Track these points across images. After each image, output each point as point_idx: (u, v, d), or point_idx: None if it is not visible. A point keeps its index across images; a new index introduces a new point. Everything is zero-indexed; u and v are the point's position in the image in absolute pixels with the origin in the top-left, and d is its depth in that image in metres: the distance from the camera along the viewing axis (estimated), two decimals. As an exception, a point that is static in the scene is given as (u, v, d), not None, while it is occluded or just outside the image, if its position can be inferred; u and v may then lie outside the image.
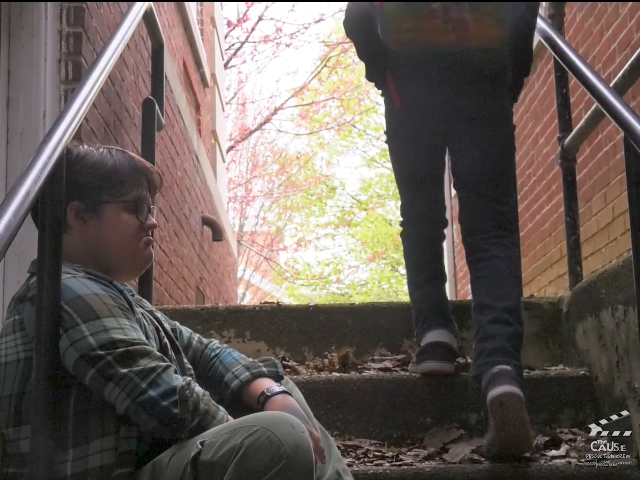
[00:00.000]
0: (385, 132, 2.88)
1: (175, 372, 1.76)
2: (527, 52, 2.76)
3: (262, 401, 1.90)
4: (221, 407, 1.78)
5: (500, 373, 2.43)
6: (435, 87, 2.66)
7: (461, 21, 2.52)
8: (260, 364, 2.00)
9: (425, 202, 2.84)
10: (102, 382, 1.72)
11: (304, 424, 1.78)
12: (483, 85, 2.67)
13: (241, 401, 1.96)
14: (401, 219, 2.93)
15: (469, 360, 3.05)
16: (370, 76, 2.84)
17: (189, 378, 1.76)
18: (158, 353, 1.77)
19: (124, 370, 1.71)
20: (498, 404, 2.34)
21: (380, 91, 2.86)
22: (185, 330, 2.13)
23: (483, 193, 2.70)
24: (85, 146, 2.00)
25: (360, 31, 2.76)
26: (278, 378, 1.98)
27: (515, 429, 2.30)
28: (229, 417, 1.77)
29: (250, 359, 2.05)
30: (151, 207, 2.00)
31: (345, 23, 2.81)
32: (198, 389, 1.75)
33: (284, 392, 1.91)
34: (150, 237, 1.99)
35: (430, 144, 2.74)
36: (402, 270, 19.90)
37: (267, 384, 1.94)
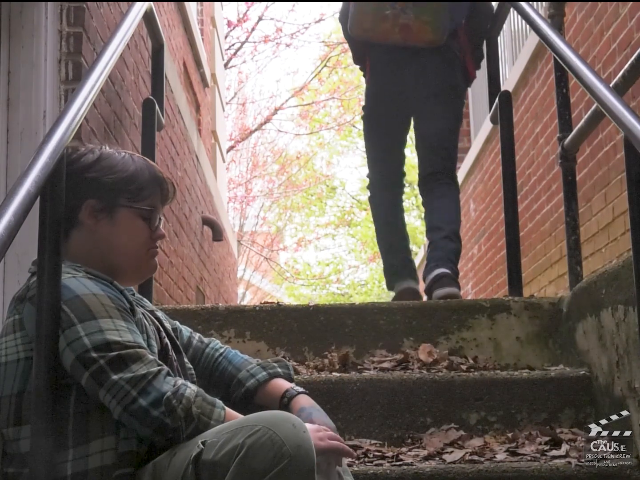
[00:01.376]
0: (362, 108, 3.73)
1: (169, 375, 1.74)
2: (479, 46, 3.60)
3: (288, 396, 1.94)
4: (217, 402, 1.76)
5: (443, 275, 3.39)
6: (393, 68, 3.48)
7: (405, 26, 3.26)
8: (275, 364, 2.04)
9: (390, 163, 3.71)
10: (96, 386, 1.72)
11: (328, 425, 1.84)
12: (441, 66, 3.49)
13: (253, 400, 1.98)
14: (368, 181, 3.78)
15: (470, 360, 3.06)
16: (354, 60, 3.71)
17: (180, 382, 1.73)
18: (151, 356, 1.76)
19: (115, 377, 1.70)
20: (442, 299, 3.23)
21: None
22: (186, 330, 2.13)
23: (439, 153, 3.63)
24: (107, 147, 2.02)
25: (344, 22, 3.54)
26: (290, 380, 2.02)
27: None
28: (227, 410, 1.76)
29: (258, 359, 2.08)
30: (160, 218, 2.02)
31: (339, 17, 3.69)
32: (189, 391, 1.72)
33: (305, 393, 1.96)
34: (157, 249, 1.99)
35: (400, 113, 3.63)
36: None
37: (285, 385, 1.98)
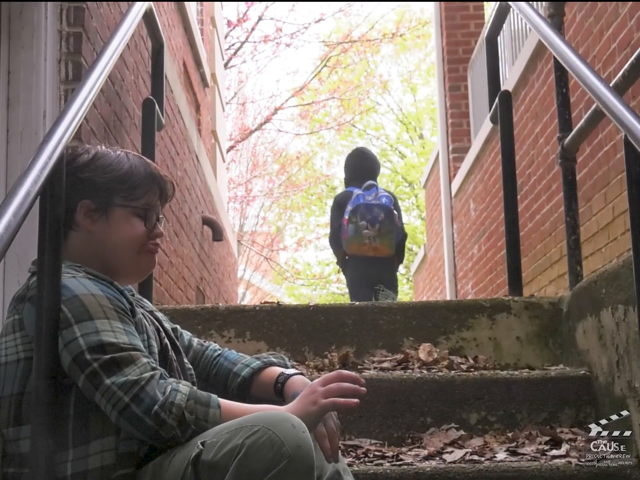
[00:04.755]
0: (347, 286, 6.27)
1: (162, 378, 1.72)
2: (402, 253, 6.02)
3: (281, 381, 1.92)
4: (212, 400, 1.73)
5: None
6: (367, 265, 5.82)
7: (376, 246, 5.69)
8: (269, 355, 2.04)
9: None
10: (91, 390, 1.71)
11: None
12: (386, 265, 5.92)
13: (249, 391, 1.97)
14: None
15: (470, 360, 3.06)
16: (338, 262, 6.15)
17: (169, 388, 1.70)
18: (145, 359, 1.74)
19: (107, 382, 1.69)
20: None
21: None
22: (186, 334, 2.13)
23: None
24: (104, 147, 2.00)
25: (335, 244, 5.97)
26: (285, 368, 2.00)
27: None
28: (224, 403, 1.73)
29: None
30: (160, 216, 2.01)
31: (330, 238, 6.10)
32: (179, 397, 1.69)
33: (301, 374, 1.95)
34: (156, 246, 1.98)
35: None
36: (402, 270, 19.91)
37: (280, 370, 1.96)
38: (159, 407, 1.67)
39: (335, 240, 5.93)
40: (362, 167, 5.98)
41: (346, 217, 5.72)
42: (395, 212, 5.73)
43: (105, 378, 1.69)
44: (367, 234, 5.63)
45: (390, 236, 5.69)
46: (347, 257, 5.92)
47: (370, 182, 5.79)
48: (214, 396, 1.75)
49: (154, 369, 1.73)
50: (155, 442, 1.70)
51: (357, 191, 5.77)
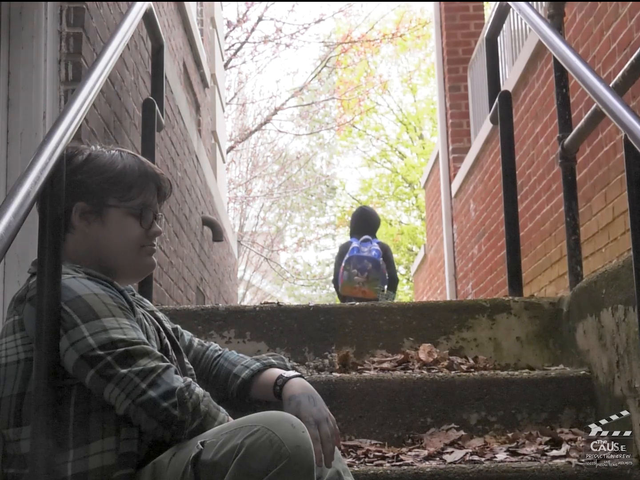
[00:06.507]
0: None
1: (176, 373, 1.75)
2: (395, 284, 7.17)
3: (280, 384, 1.91)
4: (222, 409, 1.78)
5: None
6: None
7: (364, 290, 6.78)
8: (269, 357, 2.03)
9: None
10: (102, 382, 1.71)
11: (324, 410, 1.82)
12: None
13: (249, 392, 1.97)
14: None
15: (470, 360, 3.06)
16: (339, 297, 7.14)
17: (189, 379, 1.75)
18: (158, 353, 1.77)
19: (123, 371, 1.70)
20: None
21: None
22: (187, 334, 2.13)
23: None
24: (98, 147, 1.99)
25: (336, 284, 7.18)
26: (285, 370, 2.00)
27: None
28: (230, 418, 1.77)
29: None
30: (158, 214, 2.00)
31: (333, 280, 7.37)
32: (198, 389, 1.74)
33: (300, 376, 1.94)
34: (154, 247, 1.97)
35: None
36: (402, 270, 19.93)
37: (280, 372, 1.96)
38: (185, 387, 1.71)
39: (336, 282, 7.24)
40: (361, 223, 7.21)
41: (343, 264, 7.00)
42: (383, 262, 6.97)
43: (119, 368, 1.70)
44: (357, 280, 6.92)
45: (376, 283, 6.95)
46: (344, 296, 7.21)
47: (366, 236, 7.07)
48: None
49: (166, 361, 1.76)
50: (161, 430, 1.70)
51: (354, 243, 7.07)
